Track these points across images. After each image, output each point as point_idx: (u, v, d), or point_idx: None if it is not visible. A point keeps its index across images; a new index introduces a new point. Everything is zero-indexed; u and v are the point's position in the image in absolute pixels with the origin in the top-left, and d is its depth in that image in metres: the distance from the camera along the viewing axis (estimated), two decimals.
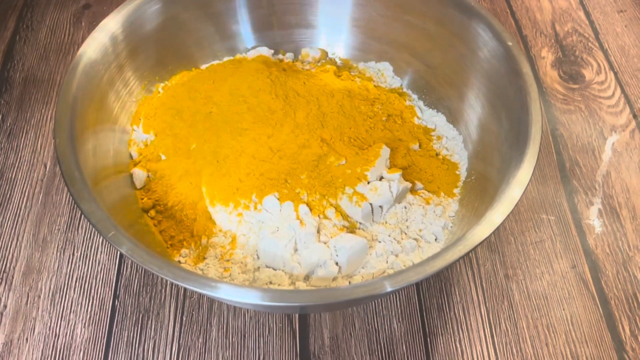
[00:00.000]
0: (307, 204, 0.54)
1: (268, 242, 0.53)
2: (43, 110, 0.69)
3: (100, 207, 0.49)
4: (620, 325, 0.56)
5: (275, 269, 0.53)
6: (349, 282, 0.53)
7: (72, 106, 0.55)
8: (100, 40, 0.58)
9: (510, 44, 0.58)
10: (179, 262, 0.55)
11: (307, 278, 0.53)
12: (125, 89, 0.62)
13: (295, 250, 0.53)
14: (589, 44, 0.78)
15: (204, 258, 0.55)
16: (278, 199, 0.54)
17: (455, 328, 0.56)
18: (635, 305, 0.57)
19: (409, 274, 0.45)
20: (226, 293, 0.45)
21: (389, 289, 0.45)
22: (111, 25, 0.59)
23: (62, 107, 0.55)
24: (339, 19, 0.70)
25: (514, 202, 0.48)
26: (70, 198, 0.62)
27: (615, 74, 0.74)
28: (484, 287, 0.58)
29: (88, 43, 0.57)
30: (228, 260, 0.54)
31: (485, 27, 0.60)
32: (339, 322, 0.56)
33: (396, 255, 0.55)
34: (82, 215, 0.57)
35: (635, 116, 0.70)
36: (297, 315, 0.56)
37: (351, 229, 0.55)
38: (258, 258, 0.54)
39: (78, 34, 0.77)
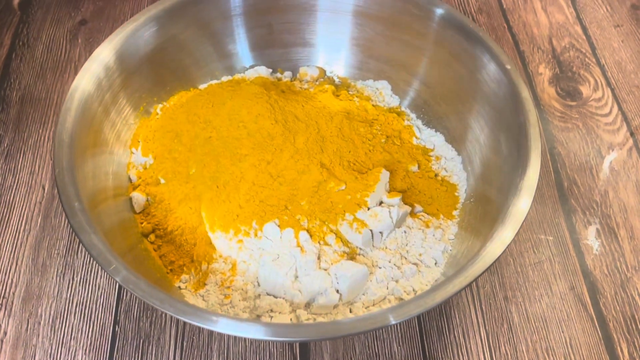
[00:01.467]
0: (308, 231, 0.55)
1: (269, 269, 0.53)
2: (40, 131, 0.69)
3: (101, 238, 0.49)
4: (618, 348, 0.56)
5: (276, 297, 0.53)
6: (350, 310, 0.53)
7: (70, 134, 0.55)
8: (94, 70, 0.58)
9: (508, 67, 0.58)
10: (180, 287, 0.55)
11: (308, 305, 0.53)
12: (123, 112, 0.62)
13: (296, 277, 0.53)
14: (586, 59, 0.78)
15: (205, 284, 0.55)
16: (278, 226, 0.54)
17: (455, 352, 0.56)
18: (634, 327, 0.58)
19: (410, 307, 0.46)
20: (227, 328, 0.45)
21: (392, 322, 0.45)
22: (105, 55, 0.59)
23: (60, 136, 0.54)
24: (338, 37, 0.70)
25: (513, 232, 0.49)
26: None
27: (612, 90, 0.74)
28: (483, 310, 0.58)
29: (82, 74, 0.57)
30: (229, 287, 0.54)
31: (483, 50, 0.60)
32: (339, 347, 0.56)
33: (396, 281, 0.55)
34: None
35: (632, 134, 0.70)
36: None
37: (351, 254, 0.55)
38: (259, 285, 0.54)
39: (74, 50, 0.77)
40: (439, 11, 0.63)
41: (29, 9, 0.81)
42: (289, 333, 0.46)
